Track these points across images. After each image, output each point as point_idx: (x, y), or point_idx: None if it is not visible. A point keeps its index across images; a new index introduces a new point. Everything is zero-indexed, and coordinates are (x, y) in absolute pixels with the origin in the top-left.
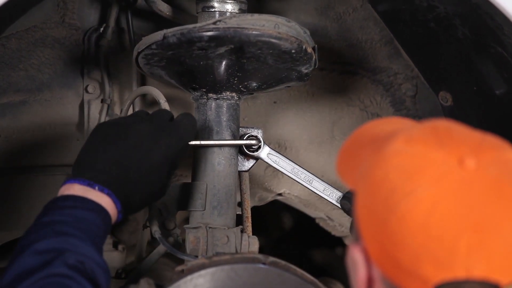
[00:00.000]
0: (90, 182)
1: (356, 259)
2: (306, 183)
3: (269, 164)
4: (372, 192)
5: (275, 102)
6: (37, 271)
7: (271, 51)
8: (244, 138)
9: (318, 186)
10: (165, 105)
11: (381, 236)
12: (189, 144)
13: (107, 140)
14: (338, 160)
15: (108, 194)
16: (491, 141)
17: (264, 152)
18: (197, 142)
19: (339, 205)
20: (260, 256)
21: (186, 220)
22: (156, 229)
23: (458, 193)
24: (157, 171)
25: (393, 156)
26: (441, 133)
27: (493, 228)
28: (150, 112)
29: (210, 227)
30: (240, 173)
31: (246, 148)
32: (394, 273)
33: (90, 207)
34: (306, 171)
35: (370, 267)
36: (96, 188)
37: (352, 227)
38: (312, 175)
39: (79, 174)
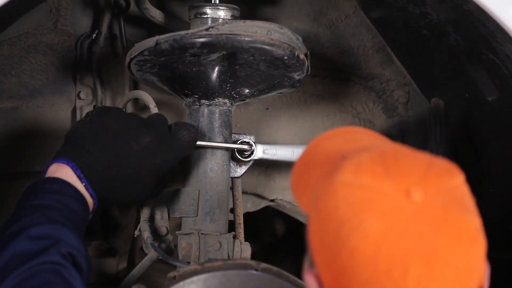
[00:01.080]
0: (81, 175)
1: (310, 285)
2: None
3: (269, 159)
4: (323, 223)
5: (267, 109)
6: (34, 257)
7: (263, 58)
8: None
9: None
10: (154, 111)
11: (333, 267)
12: (185, 155)
13: (108, 137)
14: (292, 178)
15: (91, 195)
16: (438, 167)
17: (259, 152)
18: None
19: None
20: (252, 262)
21: (179, 226)
22: (148, 235)
23: (406, 225)
24: (145, 182)
25: (342, 188)
26: (388, 162)
27: (441, 258)
28: (143, 115)
29: (202, 233)
30: (232, 179)
31: (239, 154)
32: None
33: (76, 196)
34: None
35: None
36: (84, 184)
37: (307, 250)
38: None
39: (74, 157)
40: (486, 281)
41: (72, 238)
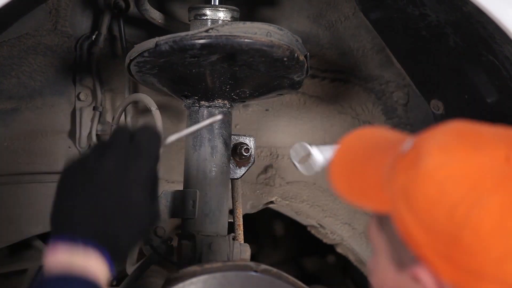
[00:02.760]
0: (72, 237)
1: (424, 281)
2: None
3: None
4: (427, 212)
5: (267, 110)
6: None
7: (263, 59)
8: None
9: None
10: (156, 113)
11: (454, 255)
12: (158, 157)
13: (76, 189)
14: (338, 181)
15: (94, 246)
16: (506, 131)
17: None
18: (171, 139)
19: None
20: (252, 264)
21: (178, 228)
22: (148, 237)
23: None
24: (136, 201)
25: (438, 170)
26: (468, 137)
27: None
28: (143, 117)
29: (201, 235)
30: (232, 180)
31: (238, 156)
32: (475, 286)
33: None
34: None
35: (442, 286)
36: (80, 242)
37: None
38: None
39: (59, 231)
40: None
41: None
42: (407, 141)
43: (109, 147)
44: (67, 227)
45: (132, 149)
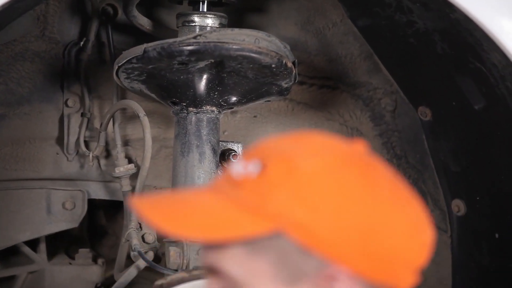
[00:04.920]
0: None
1: (342, 281)
2: None
3: None
4: (327, 207)
5: (255, 116)
6: None
7: (251, 66)
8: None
9: None
10: (144, 119)
11: (369, 243)
12: None
13: None
14: (147, 212)
15: None
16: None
17: None
18: None
19: None
20: None
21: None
22: (136, 243)
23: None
24: None
25: (311, 166)
26: (300, 141)
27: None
28: (131, 123)
29: (189, 241)
30: None
31: (226, 162)
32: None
33: None
34: None
35: (355, 282)
36: None
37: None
38: None
39: None
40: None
41: None
42: (246, 167)
43: None
44: None
45: None
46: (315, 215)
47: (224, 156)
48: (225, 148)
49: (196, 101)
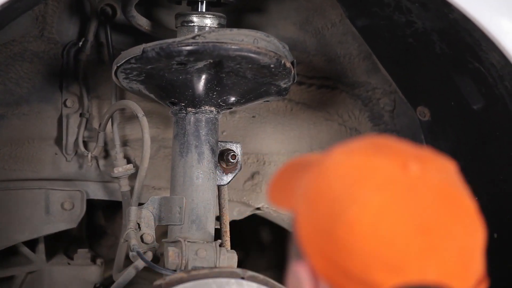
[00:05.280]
0: None
1: (301, 277)
2: None
3: None
4: (314, 206)
5: (253, 117)
6: None
7: (250, 66)
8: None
9: None
10: (143, 119)
11: (328, 248)
12: None
13: None
14: (270, 188)
15: None
16: (429, 151)
17: None
18: None
19: None
20: (239, 270)
21: (165, 234)
22: (134, 243)
23: (406, 197)
24: None
25: (334, 167)
26: (380, 146)
27: (444, 231)
28: (130, 123)
29: (188, 241)
30: (218, 187)
31: (225, 163)
32: (345, 284)
33: None
34: None
35: (317, 283)
36: None
37: (292, 247)
38: None
39: None
40: (485, 281)
41: None
42: None
43: None
44: None
45: None
46: (304, 207)
47: (222, 156)
48: (224, 148)
49: (195, 101)
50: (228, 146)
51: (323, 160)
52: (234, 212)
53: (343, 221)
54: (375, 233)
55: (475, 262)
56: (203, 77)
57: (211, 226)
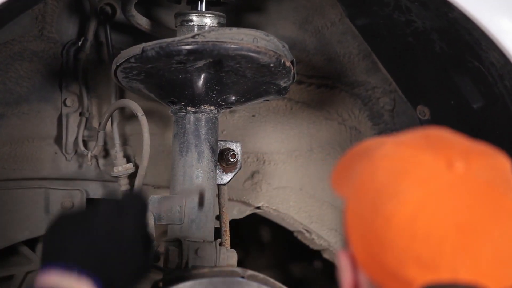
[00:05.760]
0: (68, 266)
1: (342, 264)
2: None
3: None
4: (359, 195)
5: (253, 116)
6: None
7: (249, 65)
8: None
9: None
10: (143, 119)
11: (367, 238)
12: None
13: (72, 227)
14: (333, 174)
15: (88, 277)
16: (482, 147)
17: None
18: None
19: None
20: (238, 270)
21: (165, 234)
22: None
23: (445, 195)
24: (130, 245)
25: (381, 159)
26: (431, 138)
27: (480, 231)
28: (130, 123)
29: (188, 241)
30: (218, 186)
31: (225, 161)
32: (380, 276)
33: None
34: None
35: (356, 271)
36: (75, 272)
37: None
38: None
39: (53, 260)
40: None
41: None
42: None
43: (100, 205)
44: (61, 257)
45: (122, 205)
46: (352, 195)
47: (222, 155)
48: (224, 147)
49: (195, 101)
50: (228, 145)
51: (375, 149)
52: (234, 211)
53: (382, 214)
54: (410, 228)
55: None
56: (203, 76)
57: (211, 226)
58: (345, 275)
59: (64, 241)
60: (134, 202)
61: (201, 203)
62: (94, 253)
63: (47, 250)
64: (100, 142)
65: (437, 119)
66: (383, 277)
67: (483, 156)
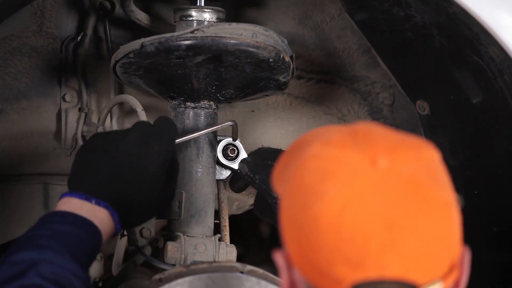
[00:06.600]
0: (88, 196)
1: (279, 264)
2: None
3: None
4: (291, 195)
5: (252, 111)
6: (9, 282)
7: (248, 60)
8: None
9: None
10: (142, 114)
11: (299, 239)
12: (175, 145)
13: (99, 154)
14: (275, 170)
15: (104, 207)
16: (410, 141)
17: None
18: (183, 138)
19: None
20: (238, 265)
21: (164, 229)
22: (133, 238)
23: (369, 193)
24: (154, 179)
25: (309, 160)
26: (359, 135)
27: (405, 226)
28: (129, 118)
29: (187, 236)
30: (218, 181)
31: (225, 157)
32: (313, 276)
33: (72, 221)
34: None
35: (292, 271)
36: (93, 201)
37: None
38: None
39: (76, 188)
40: (464, 265)
41: (58, 259)
42: None
43: (132, 129)
44: (83, 187)
45: (152, 132)
46: (286, 197)
47: (221, 150)
48: (226, 143)
49: (194, 96)
50: (227, 140)
51: (305, 148)
52: (234, 207)
53: (310, 215)
54: (337, 229)
55: (442, 253)
56: (202, 71)
57: (210, 221)
58: (282, 275)
59: (88, 170)
60: (167, 127)
61: (234, 137)
62: (115, 188)
63: (73, 175)
64: None
65: (437, 114)
66: (316, 277)
67: (409, 150)
